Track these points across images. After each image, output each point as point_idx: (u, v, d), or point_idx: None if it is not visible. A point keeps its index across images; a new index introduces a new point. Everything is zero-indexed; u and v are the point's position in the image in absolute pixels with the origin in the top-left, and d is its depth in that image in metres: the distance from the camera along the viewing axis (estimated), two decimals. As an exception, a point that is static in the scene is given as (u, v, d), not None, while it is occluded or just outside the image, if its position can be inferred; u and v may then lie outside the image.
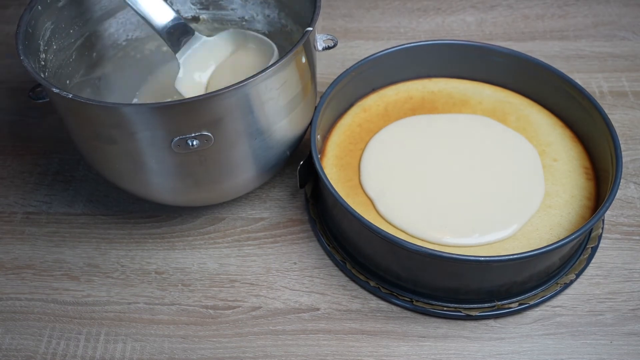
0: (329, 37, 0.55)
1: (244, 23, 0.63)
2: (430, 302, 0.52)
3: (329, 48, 0.55)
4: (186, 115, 0.45)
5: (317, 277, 0.55)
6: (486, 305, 0.51)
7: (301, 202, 0.61)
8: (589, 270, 0.54)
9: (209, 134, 0.47)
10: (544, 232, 0.52)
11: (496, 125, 0.61)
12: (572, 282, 0.53)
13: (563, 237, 0.49)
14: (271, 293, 0.54)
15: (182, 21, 0.56)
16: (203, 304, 0.53)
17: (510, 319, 0.51)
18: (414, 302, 0.52)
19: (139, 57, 0.64)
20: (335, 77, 0.59)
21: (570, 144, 0.59)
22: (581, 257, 0.54)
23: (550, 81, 0.60)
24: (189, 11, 0.64)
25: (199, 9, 0.64)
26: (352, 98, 0.63)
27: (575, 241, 0.48)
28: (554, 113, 0.62)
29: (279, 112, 0.50)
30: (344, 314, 0.52)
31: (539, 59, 0.61)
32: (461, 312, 0.51)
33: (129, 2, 0.53)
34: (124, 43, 0.63)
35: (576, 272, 0.53)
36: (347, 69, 0.60)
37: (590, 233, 0.56)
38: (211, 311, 0.53)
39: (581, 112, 0.58)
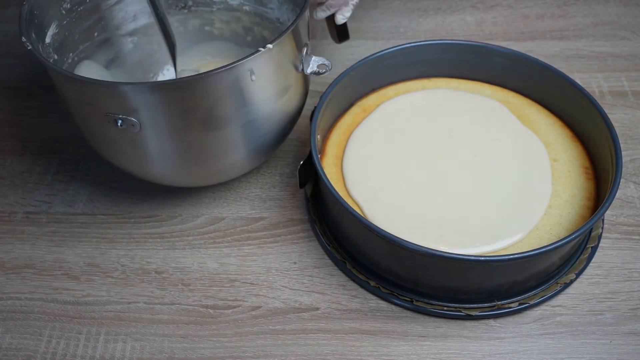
0: (322, 62, 0.55)
1: (279, 24, 0.64)
2: (431, 302, 0.52)
3: (318, 74, 0.54)
4: (110, 95, 0.47)
5: (317, 277, 0.55)
6: (486, 305, 0.51)
7: (301, 201, 0.61)
8: (589, 270, 0.54)
9: (135, 120, 0.48)
10: (544, 231, 0.52)
11: (502, 114, 0.60)
12: (572, 281, 0.53)
13: (563, 236, 0.49)
14: (271, 292, 0.54)
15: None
16: (203, 303, 0.53)
17: (510, 319, 0.51)
18: (414, 302, 0.52)
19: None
20: (335, 77, 0.59)
21: (570, 143, 0.59)
22: (581, 257, 0.54)
23: (550, 81, 0.60)
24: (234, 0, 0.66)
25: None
26: (352, 98, 0.63)
27: (575, 241, 0.48)
28: (553, 113, 0.62)
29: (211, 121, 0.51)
30: (344, 314, 0.52)
31: (538, 59, 0.61)
32: (461, 312, 0.51)
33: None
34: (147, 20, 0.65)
35: (576, 272, 0.53)
36: (347, 69, 0.60)
37: (590, 233, 0.56)
38: (211, 311, 0.53)
39: (581, 111, 0.58)
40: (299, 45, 0.52)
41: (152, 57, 0.67)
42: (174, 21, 0.66)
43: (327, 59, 0.55)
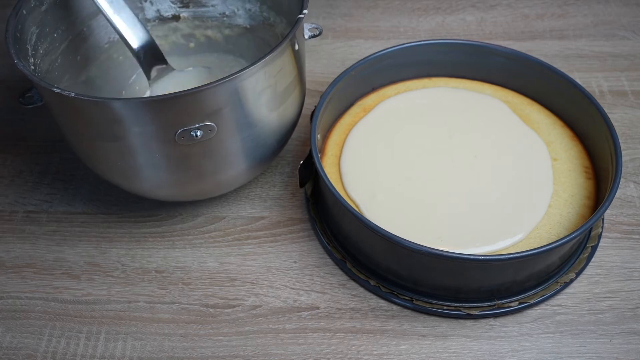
0: (313, 25, 0.55)
1: (224, 19, 0.63)
2: (431, 301, 0.52)
3: (314, 36, 0.55)
4: (189, 106, 0.45)
5: (317, 276, 0.55)
6: (486, 304, 0.51)
7: (301, 201, 0.61)
8: (589, 269, 0.54)
9: (213, 124, 0.47)
10: (544, 231, 0.52)
11: (503, 113, 0.60)
12: (572, 281, 0.53)
13: (563, 236, 0.49)
14: (271, 292, 0.54)
15: (156, 45, 0.56)
16: (203, 302, 0.53)
17: (509, 318, 0.52)
18: (414, 301, 0.52)
19: (122, 59, 0.64)
20: (335, 77, 0.59)
21: (570, 143, 0.59)
22: (581, 256, 0.54)
23: (550, 80, 0.60)
24: (169, 10, 0.64)
25: (179, 7, 0.64)
26: (352, 97, 0.63)
27: (575, 240, 0.48)
28: (553, 112, 0.62)
29: (273, 100, 0.51)
30: (344, 313, 0.52)
31: (538, 58, 0.61)
32: (461, 311, 0.51)
33: (107, 18, 0.54)
34: (106, 45, 0.63)
35: (576, 271, 0.53)
36: (347, 69, 0.60)
37: (590, 232, 0.56)
38: (211, 310, 0.53)
39: (581, 111, 0.58)
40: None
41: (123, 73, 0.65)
42: (113, 52, 0.64)
43: (313, 23, 0.56)
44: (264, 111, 0.50)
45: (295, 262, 0.56)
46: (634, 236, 0.57)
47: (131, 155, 0.49)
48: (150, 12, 0.64)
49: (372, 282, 0.53)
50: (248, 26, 0.63)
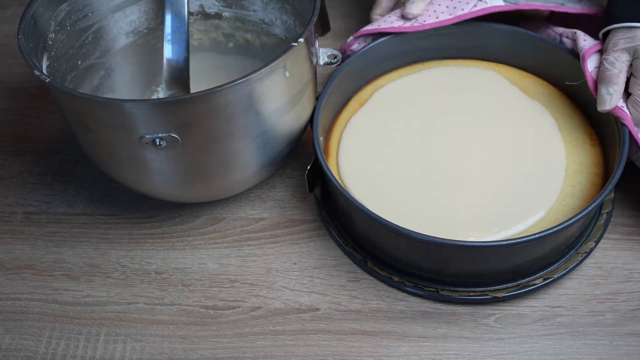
0: (332, 52, 0.54)
1: (263, 26, 0.64)
2: (457, 289, 0.51)
3: (330, 64, 0.54)
4: (156, 115, 0.45)
5: (317, 277, 0.55)
6: (511, 284, 0.51)
7: (301, 201, 0.60)
8: (589, 271, 0.54)
9: (177, 137, 0.47)
10: (558, 204, 0.52)
11: (502, 86, 0.60)
12: (592, 250, 0.53)
13: (577, 207, 0.49)
14: (271, 293, 0.54)
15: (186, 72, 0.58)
16: (203, 304, 0.53)
17: (510, 319, 0.51)
18: (440, 292, 0.51)
19: (160, 46, 0.64)
20: (331, 74, 0.59)
21: (571, 112, 0.58)
22: (598, 223, 0.54)
23: (543, 50, 0.59)
24: (212, 7, 0.64)
25: (222, 6, 0.64)
26: (348, 93, 0.63)
27: (595, 207, 0.48)
28: (551, 83, 0.61)
29: (251, 124, 0.50)
30: (344, 314, 0.52)
31: (531, 32, 0.61)
32: (488, 295, 0.51)
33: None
34: (145, 31, 0.63)
35: (595, 239, 0.53)
36: (340, 67, 0.59)
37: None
38: (211, 311, 0.53)
39: (579, 75, 0.56)
40: (313, 38, 0.52)
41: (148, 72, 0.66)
42: (151, 38, 0.64)
43: (334, 49, 0.55)
44: (239, 130, 0.50)
45: (295, 263, 0.56)
46: (634, 237, 0.56)
47: (105, 148, 0.50)
48: (194, 7, 0.64)
49: (395, 278, 0.53)
50: (284, 38, 0.63)
